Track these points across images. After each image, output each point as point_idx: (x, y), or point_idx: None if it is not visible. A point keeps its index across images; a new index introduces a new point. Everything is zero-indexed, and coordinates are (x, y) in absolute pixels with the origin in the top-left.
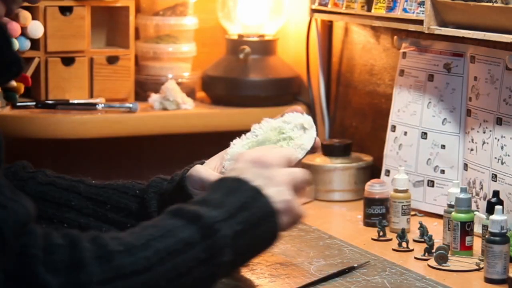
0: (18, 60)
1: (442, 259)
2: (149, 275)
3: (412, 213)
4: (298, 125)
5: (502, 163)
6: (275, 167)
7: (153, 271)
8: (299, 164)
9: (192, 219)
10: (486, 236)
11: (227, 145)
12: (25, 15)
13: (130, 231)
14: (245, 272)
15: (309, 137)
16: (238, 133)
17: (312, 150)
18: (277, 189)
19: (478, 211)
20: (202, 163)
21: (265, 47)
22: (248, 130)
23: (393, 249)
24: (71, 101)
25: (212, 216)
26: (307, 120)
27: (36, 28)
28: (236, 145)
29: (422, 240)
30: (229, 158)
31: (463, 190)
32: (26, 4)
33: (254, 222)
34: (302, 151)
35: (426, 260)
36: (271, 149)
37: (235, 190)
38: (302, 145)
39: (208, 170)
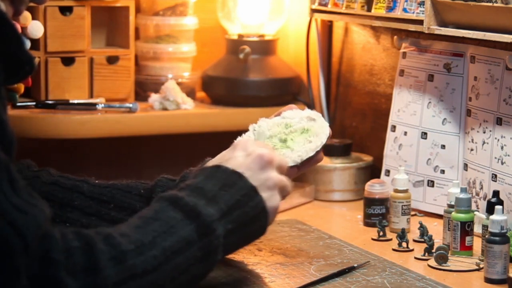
0: (30, 59)
1: (442, 259)
2: (157, 274)
3: (412, 213)
4: (305, 118)
5: (502, 163)
6: (272, 169)
7: (160, 271)
8: (320, 153)
9: (190, 215)
10: (486, 236)
11: (227, 145)
12: (25, 15)
13: (135, 225)
14: (246, 271)
15: (323, 124)
16: (238, 133)
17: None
18: (270, 193)
19: (478, 211)
20: (207, 161)
21: (265, 47)
22: (247, 130)
23: (393, 249)
24: (71, 101)
25: (209, 214)
26: (312, 112)
27: (36, 28)
28: None
29: (422, 240)
30: None
31: (463, 190)
32: (31, 4)
33: (246, 221)
34: (324, 136)
35: (426, 260)
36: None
37: (232, 185)
38: (321, 132)
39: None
